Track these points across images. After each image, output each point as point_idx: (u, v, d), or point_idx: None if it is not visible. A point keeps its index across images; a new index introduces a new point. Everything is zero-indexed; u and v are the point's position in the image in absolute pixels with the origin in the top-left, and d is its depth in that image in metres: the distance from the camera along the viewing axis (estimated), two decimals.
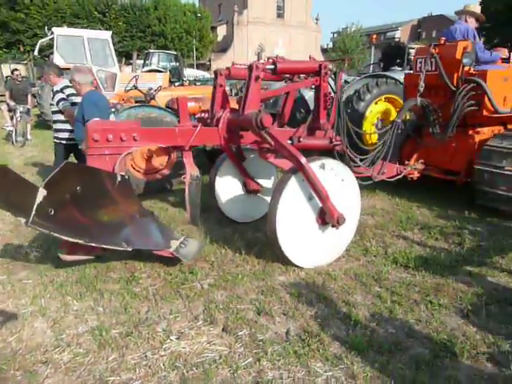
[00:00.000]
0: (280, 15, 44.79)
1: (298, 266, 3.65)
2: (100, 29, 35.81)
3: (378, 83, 7.21)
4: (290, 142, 3.76)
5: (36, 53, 11.83)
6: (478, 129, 5.13)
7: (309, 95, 8.25)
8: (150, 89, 7.85)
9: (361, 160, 4.67)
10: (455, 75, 4.87)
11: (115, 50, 39.22)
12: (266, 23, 43.46)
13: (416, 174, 5.48)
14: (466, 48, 4.78)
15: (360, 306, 3.12)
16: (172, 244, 3.70)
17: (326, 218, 3.59)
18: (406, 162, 5.48)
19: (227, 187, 4.69)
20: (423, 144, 5.52)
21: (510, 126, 5.22)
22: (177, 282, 3.49)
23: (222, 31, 46.26)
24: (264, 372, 2.45)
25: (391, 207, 5.38)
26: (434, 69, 5.02)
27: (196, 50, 38.79)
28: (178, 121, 6.52)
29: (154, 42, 37.38)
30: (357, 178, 3.97)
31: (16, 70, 10.54)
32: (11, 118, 9.83)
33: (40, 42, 11.88)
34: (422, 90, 4.96)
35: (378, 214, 5.10)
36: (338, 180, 3.68)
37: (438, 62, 4.91)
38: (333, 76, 4.06)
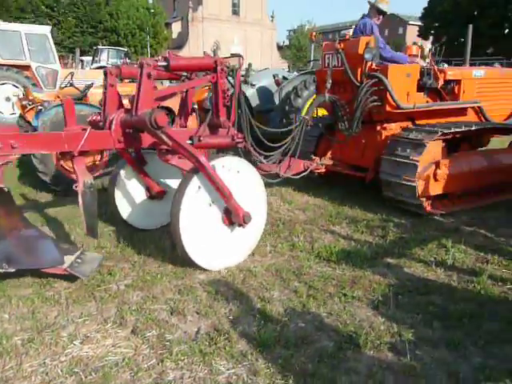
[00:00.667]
0: (235, 12, 44.68)
1: (206, 270, 3.56)
2: (48, 24, 34.56)
3: (315, 80, 7.28)
4: (190, 141, 3.59)
5: None
6: (386, 124, 5.18)
7: (250, 92, 8.24)
8: (89, 86, 7.60)
9: (266, 157, 4.64)
10: (359, 70, 4.88)
11: (64, 46, 37.92)
12: (221, 20, 43.25)
13: (322, 170, 5.59)
14: (368, 43, 4.75)
15: (275, 301, 3.12)
16: (66, 260, 3.42)
17: (232, 217, 3.54)
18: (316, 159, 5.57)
19: (129, 195, 4.40)
20: (335, 140, 5.61)
21: (418, 122, 5.28)
22: (93, 284, 3.37)
23: (177, 28, 45.64)
24: (165, 373, 2.39)
25: (323, 203, 5.45)
26: (340, 64, 5.02)
27: (150, 46, 38.08)
28: None
29: (106, 38, 36.43)
30: (265, 175, 4.04)
31: None
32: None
33: None
34: (329, 86, 4.98)
35: (309, 210, 5.15)
36: (241, 178, 3.64)
37: (343, 58, 4.90)
38: (231, 73, 3.93)
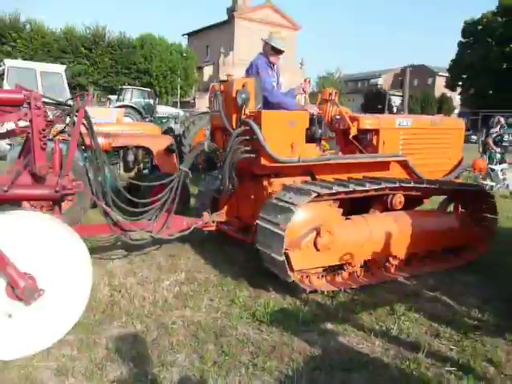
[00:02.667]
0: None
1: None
2: (86, 64, 36.50)
3: None
4: None
5: None
6: (274, 179, 4.32)
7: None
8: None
9: (140, 213, 4.23)
10: (234, 116, 4.22)
11: (100, 85, 39.97)
12: None
13: (212, 228, 4.83)
14: (244, 85, 4.08)
15: (175, 367, 2.79)
16: None
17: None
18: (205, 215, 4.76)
19: None
20: (220, 196, 4.83)
21: (318, 176, 4.41)
22: None
23: (208, 71, 47.19)
24: None
25: None
26: (218, 109, 4.40)
27: (180, 88, 39.39)
28: (85, 157, 6.39)
29: (139, 78, 38.00)
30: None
31: None
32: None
33: None
34: (208, 132, 4.63)
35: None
36: (38, 239, 2.86)
37: (219, 101, 4.30)
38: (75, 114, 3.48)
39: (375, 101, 45.80)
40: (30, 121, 3.16)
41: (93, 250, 4.15)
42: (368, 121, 4.65)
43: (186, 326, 3.34)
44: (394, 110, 38.69)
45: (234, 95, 4.05)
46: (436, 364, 2.91)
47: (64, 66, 12.66)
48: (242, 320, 3.48)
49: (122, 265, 4.56)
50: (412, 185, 4.38)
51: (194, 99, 41.99)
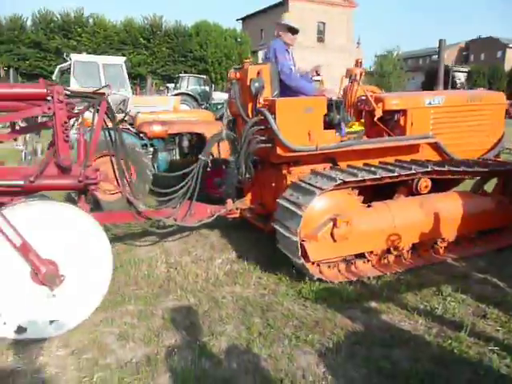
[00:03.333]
0: (320, 39, 45.00)
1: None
2: (145, 54, 37.72)
3: None
4: (21, 182, 3.17)
5: (54, 77, 12.62)
6: (292, 167, 4.17)
7: None
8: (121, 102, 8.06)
9: (165, 202, 4.32)
10: (250, 105, 4.09)
11: (158, 74, 40.94)
12: (305, 47, 43.78)
13: (236, 215, 4.73)
14: (259, 72, 3.97)
15: (224, 336, 3.03)
16: None
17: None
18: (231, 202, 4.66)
19: None
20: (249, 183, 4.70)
21: (340, 164, 4.26)
22: None
23: (262, 55, 47.16)
24: None
25: None
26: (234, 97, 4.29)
27: None
28: (144, 144, 6.75)
29: (195, 66, 38.69)
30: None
31: None
32: (23, 139, 10.49)
33: (59, 67, 12.71)
34: (225, 121, 4.46)
35: None
36: (59, 227, 3.07)
37: (235, 89, 4.21)
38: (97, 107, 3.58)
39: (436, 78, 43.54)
40: (54, 114, 3.25)
41: (150, 232, 4.46)
42: (394, 101, 4.43)
43: (235, 300, 3.57)
44: (458, 86, 36.65)
45: (248, 84, 3.97)
46: (479, 343, 2.92)
47: (124, 58, 13.29)
48: (287, 297, 3.65)
49: (178, 245, 4.87)
50: (445, 168, 4.15)
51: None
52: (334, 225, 3.74)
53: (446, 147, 4.52)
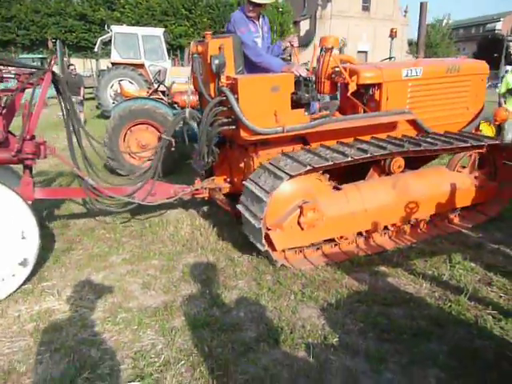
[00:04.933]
0: (365, 8, 43.36)
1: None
2: (186, 25, 37.87)
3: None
4: None
5: (96, 49, 13.04)
6: (260, 149, 3.85)
7: None
8: (157, 73, 8.31)
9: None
10: (212, 83, 3.76)
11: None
12: (350, 17, 42.36)
13: (205, 195, 4.49)
14: (221, 47, 3.55)
15: (235, 289, 3.31)
16: None
17: None
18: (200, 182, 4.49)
19: None
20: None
21: (313, 144, 3.96)
22: None
23: (305, 26, 45.98)
24: (103, 331, 2.79)
25: None
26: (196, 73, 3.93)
27: None
28: (173, 114, 7.02)
29: None
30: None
31: (71, 65, 11.81)
32: None
33: (100, 39, 13.09)
34: (187, 99, 4.18)
35: None
36: None
37: (196, 65, 3.85)
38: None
39: (490, 49, 41.19)
40: None
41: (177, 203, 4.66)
42: (369, 73, 4.06)
43: (250, 259, 3.81)
44: None
45: (208, 61, 3.61)
46: (478, 307, 3.03)
47: (162, 30, 13.49)
48: None
49: (203, 210, 5.14)
50: (421, 148, 3.85)
51: (290, 55, 41.56)
52: (301, 213, 3.58)
53: (423, 122, 4.29)
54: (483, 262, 3.70)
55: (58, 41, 16.22)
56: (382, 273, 3.57)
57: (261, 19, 4.12)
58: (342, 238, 3.93)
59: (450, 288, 3.30)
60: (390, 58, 8.21)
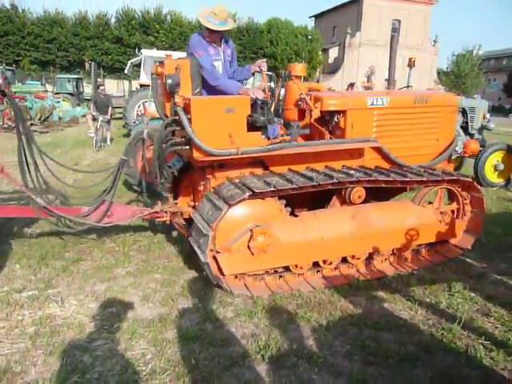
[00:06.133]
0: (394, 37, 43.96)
1: None
2: None
3: None
4: None
5: (126, 71, 13.61)
6: (217, 171, 3.78)
7: None
8: None
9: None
10: (168, 103, 3.73)
11: None
12: (378, 45, 42.74)
13: (166, 218, 4.34)
14: (177, 68, 3.55)
15: (230, 306, 3.36)
16: None
17: None
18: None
19: None
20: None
21: (272, 168, 3.89)
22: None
23: (334, 53, 46.57)
24: (92, 336, 2.90)
25: None
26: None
27: None
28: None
29: None
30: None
31: (101, 85, 12.36)
32: (95, 127, 11.54)
33: (130, 61, 13.67)
34: (145, 119, 4.23)
35: None
36: None
37: (155, 85, 3.82)
38: None
39: None
40: None
41: None
42: (332, 101, 4.03)
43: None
44: None
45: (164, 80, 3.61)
46: (471, 337, 3.00)
47: None
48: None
49: None
50: (372, 178, 3.73)
51: (317, 81, 42.04)
52: (251, 237, 3.49)
53: (390, 151, 4.14)
54: (484, 292, 3.66)
55: (92, 62, 17.00)
56: (379, 298, 3.58)
57: (223, 43, 4.13)
58: (296, 267, 3.79)
59: (445, 316, 3.28)
60: (408, 87, 8.31)
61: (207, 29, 3.89)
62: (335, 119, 4.08)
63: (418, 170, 4.10)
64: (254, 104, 3.74)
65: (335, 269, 3.95)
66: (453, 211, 4.37)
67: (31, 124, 13.73)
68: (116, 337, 2.92)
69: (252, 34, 39.31)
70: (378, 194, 4.14)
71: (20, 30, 34.37)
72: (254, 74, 4.31)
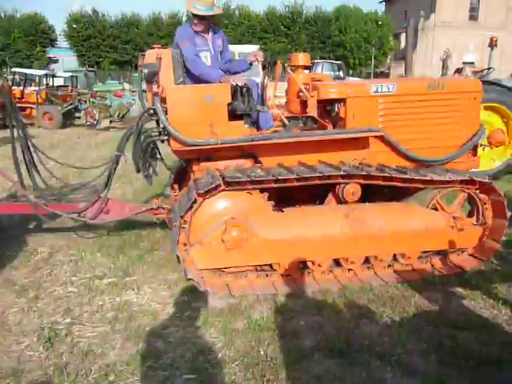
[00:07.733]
0: (473, 17, 40.74)
1: None
2: (285, 41, 38.80)
3: None
4: None
5: None
6: (203, 163, 3.66)
7: None
8: None
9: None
10: (150, 93, 3.66)
11: None
12: (455, 27, 40.13)
13: (163, 215, 4.21)
14: (158, 58, 3.48)
15: (300, 298, 3.34)
16: None
17: None
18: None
19: None
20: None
21: (262, 159, 3.67)
22: None
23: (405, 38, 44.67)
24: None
25: None
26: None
27: (374, 58, 38.38)
28: None
29: (333, 51, 38.49)
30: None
31: None
32: None
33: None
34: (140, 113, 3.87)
35: None
36: None
37: (140, 76, 3.74)
38: None
39: None
40: None
41: None
42: (330, 89, 3.74)
43: None
44: None
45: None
46: None
47: (257, 46, 14.05)
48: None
49: None
50: (362, 172, 3.41)
51: (388, 69, 40.44)
52: (225, 230, 3.36)
53: (398, 143, 3.72)
54: None
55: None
56: (458, 294, 3.37)
57: (211, 33, 4.02)
58: (279, 266, 3.57)
59: None
60: (489, 69, 7.69)
61: (196, 16, 3.84)
62: (335, 109, 3.78)
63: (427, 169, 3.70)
64: (235, 92, 3.57)
65: (347, 271, 3.68)
66: (468, 217, 3.87)
67: (111, 121, 14.48)
68: (187, 325, 3.01)
69: (320, 22, 38.65)
70: (391, 193, 3.87)
71: (100, 33, 36.63)
72: (251, 64, 4.08)
